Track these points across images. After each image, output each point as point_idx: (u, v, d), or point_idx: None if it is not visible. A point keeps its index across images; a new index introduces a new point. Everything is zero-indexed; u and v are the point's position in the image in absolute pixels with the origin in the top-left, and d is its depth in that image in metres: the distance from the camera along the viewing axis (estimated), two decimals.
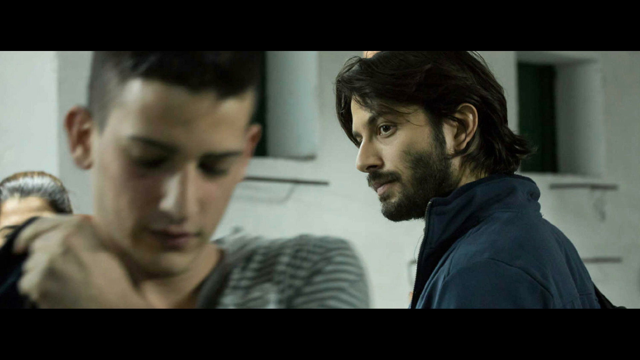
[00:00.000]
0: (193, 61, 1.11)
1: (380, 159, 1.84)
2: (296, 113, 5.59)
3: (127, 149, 1.13)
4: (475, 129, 1.83)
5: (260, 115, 5.54)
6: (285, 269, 1.23)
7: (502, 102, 1.86)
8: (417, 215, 1.85)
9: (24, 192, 2.47)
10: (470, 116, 1.82)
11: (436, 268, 1.77)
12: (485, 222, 1.77)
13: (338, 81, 1.88)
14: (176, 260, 1.17)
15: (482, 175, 1.84)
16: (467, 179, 1.83)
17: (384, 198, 1.85)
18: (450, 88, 1.81)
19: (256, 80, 1.17)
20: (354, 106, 1.87)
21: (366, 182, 1.88)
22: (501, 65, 5.95)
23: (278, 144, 5.63)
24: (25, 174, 2.51)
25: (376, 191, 1.86)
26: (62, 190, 2.52)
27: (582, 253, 1.99)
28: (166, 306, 1.22)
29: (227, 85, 1.12)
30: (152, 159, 1.13)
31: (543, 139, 6.94)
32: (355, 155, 1.86)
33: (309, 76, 5.53)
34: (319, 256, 1.22)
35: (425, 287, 1.76)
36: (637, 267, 7.02)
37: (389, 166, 1.83)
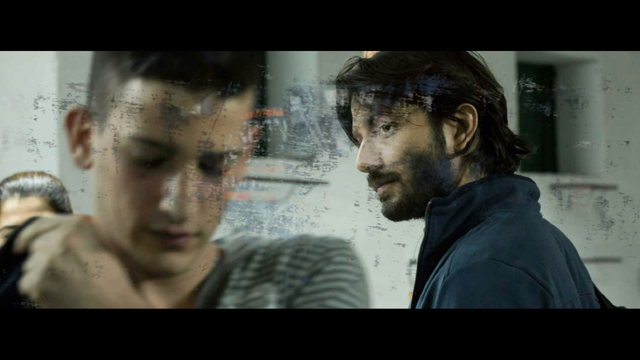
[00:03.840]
0: (193, 61, 1.11)
1: (380, 159, 1.84)
2: None
3: (127, 149, 1.13)
4: (475, 129, 1.83)
5: None
6: (285, 269, 1.23)
7: (502, 102, 1.86)
8: (417, 215, 1.85)
9: (24, 192, 2.46)
10: (470, 116, 1.82)
11: (436, 268, 1.76)
12: (485, 222, 1.77)
13: (338, 81, 1.88)
14: (176, 260, 1.17)
15: (482, 175, 1.84)
16: (467, 179, 1.83)
17: (384, 198, 1.85)
18: (450, 88, 1.81)
19: (256, 80, 1.17)
20: (354, 106, 1.87)
21: (366, 182, 1.88)
22: (501, 65, 5.94)
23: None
24: (25, 174, 2.51)
25: (376, 191, 1.86)
26: (62, 190, 2.51)
27: (582, 253, 1.98)
28: (166, 306, 1.22)
29: (227, 85, 1.12)
30: (152, 159, 1.13)
31: (543, 139, 6.94)
32: (355, 155, 1.86)
33: (309, 76, 5.53)
34: (319, 256, 1.22)
35: (425, 287, 1.76)
36: (637, 267, 7.02)
37: (388, 166, 1.83)
